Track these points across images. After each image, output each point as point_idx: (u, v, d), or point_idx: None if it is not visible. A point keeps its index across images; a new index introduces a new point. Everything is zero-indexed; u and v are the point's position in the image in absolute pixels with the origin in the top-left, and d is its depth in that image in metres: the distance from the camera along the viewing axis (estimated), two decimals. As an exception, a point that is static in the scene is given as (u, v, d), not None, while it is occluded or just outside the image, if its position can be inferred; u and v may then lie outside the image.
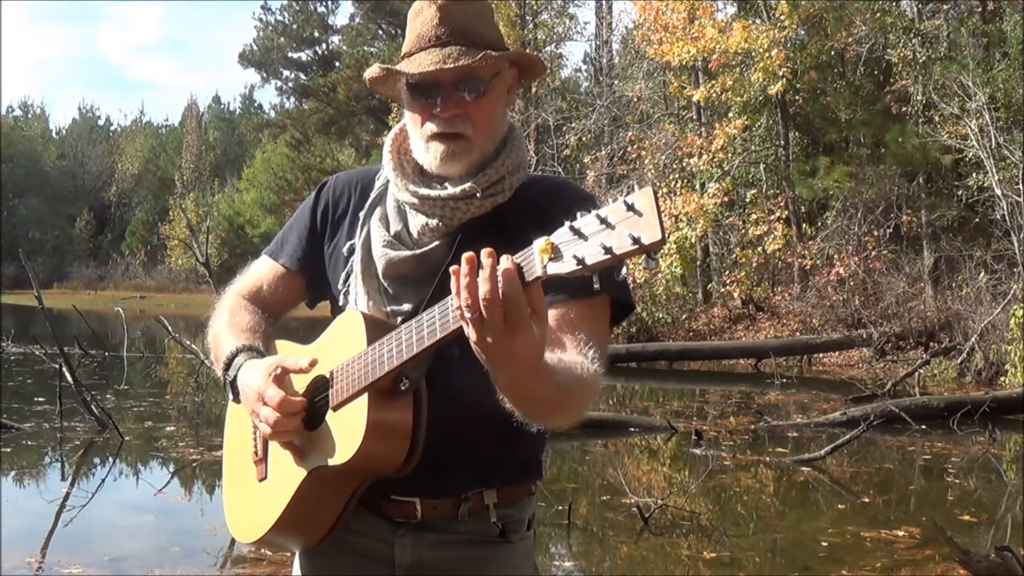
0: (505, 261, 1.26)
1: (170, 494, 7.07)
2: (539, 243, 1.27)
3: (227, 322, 1.78)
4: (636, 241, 1.18)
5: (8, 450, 8.28)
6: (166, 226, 47.83)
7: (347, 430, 1.53)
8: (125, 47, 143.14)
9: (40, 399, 10.62)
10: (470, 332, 1.29)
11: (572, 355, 1.53)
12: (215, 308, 1.85)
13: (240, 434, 1.79)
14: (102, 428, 8.93)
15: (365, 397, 1.51)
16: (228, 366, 1.69)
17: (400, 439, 1.54)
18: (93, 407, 9.00)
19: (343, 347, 1.58)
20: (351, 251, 1.74)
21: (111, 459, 8.28)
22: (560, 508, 6.27)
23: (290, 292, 1.86)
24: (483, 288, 1.25)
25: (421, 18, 1.64)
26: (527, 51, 26.34)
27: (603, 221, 1.22)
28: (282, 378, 1.59)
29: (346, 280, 1.75)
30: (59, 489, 7.10)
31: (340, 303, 1.75)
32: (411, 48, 1.63)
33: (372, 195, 1.76)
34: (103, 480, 7.60)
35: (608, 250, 1.20)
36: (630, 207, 1.20)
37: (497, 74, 1.64)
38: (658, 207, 1.19)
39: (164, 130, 64.74)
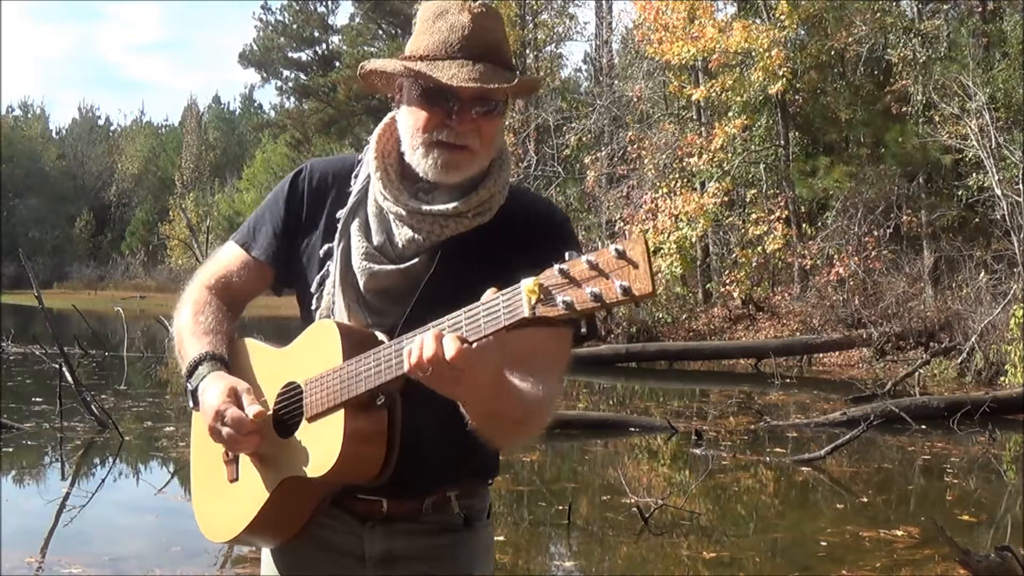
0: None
1: (170, 494, 7.06)
2: (527, 284, 1.26)
3: (191, 320, 1.78)
4: (627, 292, 1.20)
5: (8, 450, 8.28)
6: (166, 226, 47.78)
7: (323, 443, 1.55)
8: (124, 47, 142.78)
9: (40, 399, 10.60)
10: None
11: (528, 379, 1.54)
12: (181, 298, 1.84)
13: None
14: (102, 428, 8.93)
15: (342, 411, 1.53)
16: (191, 374, 1.69)
17: (375, 452, 1.57)
18: (93, 407, 8.99)
19: (317, 357, 1.59)
20: (328, 254, 1.73)
21: (111, 459, 8.29)
22: (560, 508, 6.25)
23: (260, 282, 1.86)
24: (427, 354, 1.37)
25: (448, 23, 1.59)
26: (527, 57, 26.26)
27: (594, 267, 1.23)
28: (239, 399, 1.60)
29: (320, 284, 1.74)
30: (59, 489, 7.10)
31: (313, 306, 1.74)
32: (435, 52, 1.59)
33: (352, 198, 1.73)
34: (103, 480, 7.60)
35: (598, 298, 1.21)
36: (621, 255, 1.21)
37: (506, 94, 1.65)
38: (649, 258, 1.20)
39: (164, 130, 64.61)
